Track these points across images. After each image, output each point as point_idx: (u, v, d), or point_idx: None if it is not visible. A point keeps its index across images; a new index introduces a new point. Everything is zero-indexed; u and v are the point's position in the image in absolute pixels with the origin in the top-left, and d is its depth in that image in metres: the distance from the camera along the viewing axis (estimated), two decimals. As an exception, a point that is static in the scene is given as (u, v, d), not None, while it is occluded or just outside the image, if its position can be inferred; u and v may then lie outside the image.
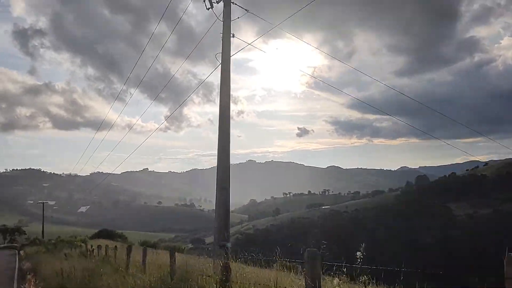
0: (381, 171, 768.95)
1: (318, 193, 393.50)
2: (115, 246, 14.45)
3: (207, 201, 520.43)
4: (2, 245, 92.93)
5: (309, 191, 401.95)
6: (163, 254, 13.78)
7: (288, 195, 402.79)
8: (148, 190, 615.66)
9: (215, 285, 6.50)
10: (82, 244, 31.17)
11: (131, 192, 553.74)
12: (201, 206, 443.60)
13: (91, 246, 19.24)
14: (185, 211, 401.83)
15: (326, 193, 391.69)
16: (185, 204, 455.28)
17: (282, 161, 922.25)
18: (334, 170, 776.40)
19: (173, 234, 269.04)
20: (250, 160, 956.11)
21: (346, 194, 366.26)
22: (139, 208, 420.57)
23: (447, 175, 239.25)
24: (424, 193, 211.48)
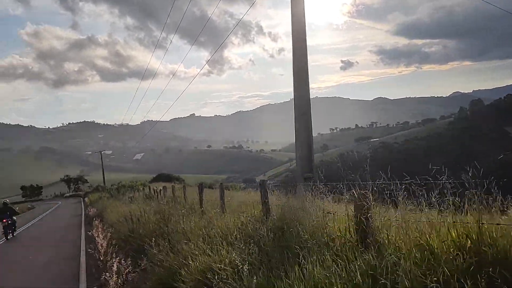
0: (431, 98, 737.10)
1: (365, 126, 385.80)
2: (184, 186, 13.15)
3: (254, 142, 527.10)
4: (68, 194, 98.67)
5: (356, 125, 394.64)
6: (227, 193, 12.57)
7: (335, 130, 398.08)
8: (197, 135, 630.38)
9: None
10: (144, 188, 30.88)
11: (181, 138, 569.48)
12: (248, 147, 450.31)
13: (156, 188, 18.35)
14: (233, 153, 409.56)
15: (374, 125, 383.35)
16: (233, 147, 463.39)
17: (326, 96, 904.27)
18: (381, 102, 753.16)
19: (224, 175, 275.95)
20: (293, 98, 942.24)
21: (395, 125, 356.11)
22: (189, 153, 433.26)
23: (503, 97, 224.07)
24: (480, 118, 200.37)
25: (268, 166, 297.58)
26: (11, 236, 18.14)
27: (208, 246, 6.03)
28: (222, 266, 5.10)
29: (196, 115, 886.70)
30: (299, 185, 8.70)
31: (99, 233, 11.65)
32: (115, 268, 6.38)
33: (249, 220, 6.60)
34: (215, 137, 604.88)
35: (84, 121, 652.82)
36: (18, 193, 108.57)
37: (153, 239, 7.60)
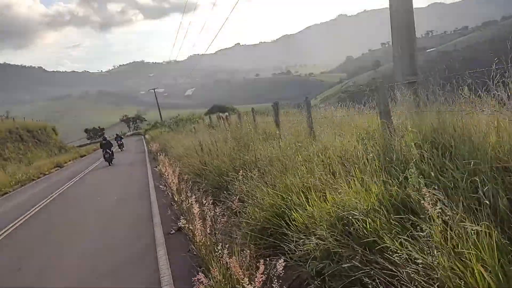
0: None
1: (420, 36, 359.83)
2: (252, 109, 11.51)
3: (302, 65, 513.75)
4: (129, 133, 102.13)
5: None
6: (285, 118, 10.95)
7: (386, 45, 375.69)
8: (244, 64, 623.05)
9: None
10: (199, 120, 29.83)
11: (228, 69, 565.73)
12: (297, 72, 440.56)
13: (222, 115, 17.00)
14: (282, 79, 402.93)
15: (430, 34, 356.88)
16: (282, 73, 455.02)
17: (376, 8, 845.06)
18: (436, 7, 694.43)
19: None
20: (340, 14, 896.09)
21: (452, 32, 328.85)
22: (238, 84, 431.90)
23: None
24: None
25: (318, 90, 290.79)
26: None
27: (331, 177, 4.40)
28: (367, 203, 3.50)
29: (240, 44, 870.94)
30: (401, 90, 6.68)
31: (167, 167, 10.52)
32: (196, 209, 5.01)
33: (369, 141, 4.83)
34: (262, 65, 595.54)
35: (134, 61, 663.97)
36: (83, 136, 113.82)
37: (240, 171, 6.10)
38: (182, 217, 5.65)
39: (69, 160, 40.12)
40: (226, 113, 10.99)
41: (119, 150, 37.39)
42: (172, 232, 6.67)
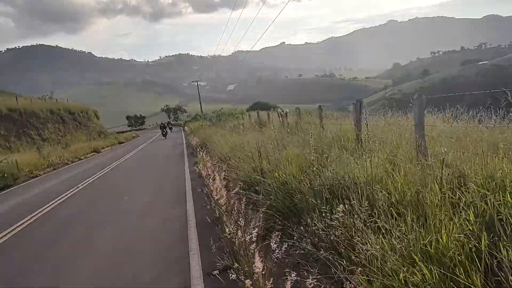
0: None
1: (473, 48, 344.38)
2: (319, 107, 9.35)
3: (347, 69, 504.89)
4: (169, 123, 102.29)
5: (462, 47, 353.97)
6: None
7: (437, 54, 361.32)
8: (287, 64, 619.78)
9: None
10: (245, 116, 27.79)
11: (272, 68, 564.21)
12: (341, 75, 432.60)
13: (281, 111, 14.84)
14: (325, 81, 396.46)
15: (483, 46, 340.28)
16: (325, 75, 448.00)
17: (428, 16, 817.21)
18: (492, 20, 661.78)
19: (316, 104, 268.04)
20: (390, 20, 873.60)
21: (507, 46, 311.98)
22: (280, 83, 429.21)
23: None
24: None
25: (362, 94, 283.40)
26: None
27: None
28: None
29: (286, 43, 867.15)
30: None
31: (208, 170, 8.58)
32: (257, 258, 3.02)
33: None
34: (306, 66, 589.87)
35: (179, 53, 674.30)
36: (124, 122, 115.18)
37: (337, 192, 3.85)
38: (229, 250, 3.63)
39: (107, 146, 39.33)
40: (286, 110, 8.91)
41: (166, 133, 44.10)
42: (215, 273, 4.64)
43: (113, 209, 9.17)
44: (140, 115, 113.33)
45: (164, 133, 41.87)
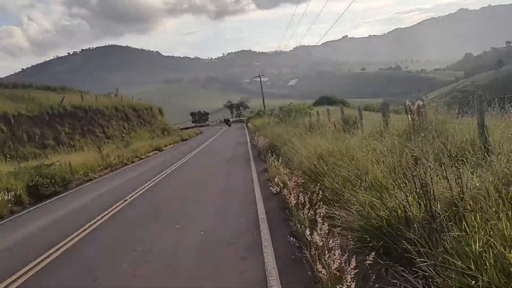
0: None
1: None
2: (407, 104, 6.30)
3: (414, 61, 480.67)
4: (232, 119, 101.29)
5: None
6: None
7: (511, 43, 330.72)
8: (350, 57, 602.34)
9: None
10: (312, 112, 24.71)
11: (334, 62, 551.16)
12: (407, 68, 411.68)
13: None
14: (390, 74, 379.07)
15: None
16: (390, 68, 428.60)
17: (503, 3, 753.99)
18: None
19: (380, 99, 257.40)
20: (461, 8, 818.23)
21: None
22: (343, 77, 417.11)
23: None
24: None
25: (430, 87, 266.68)
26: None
27: None
28: None
29: (348, 36, 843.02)
30: None
31: (292, 190, 5.94)
32: None
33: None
34: (369, 59, 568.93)
35: (242, 50, 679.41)
36: (188, 119, 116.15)
37: None
38: None
39: (169, 144, 38.11)
40: (419, 101, 6.10)
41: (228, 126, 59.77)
42: None
43: (155, 245, 6.69)
44: (203, 111, 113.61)
45: (228, 124, 64.04)
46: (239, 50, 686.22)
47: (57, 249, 6.98)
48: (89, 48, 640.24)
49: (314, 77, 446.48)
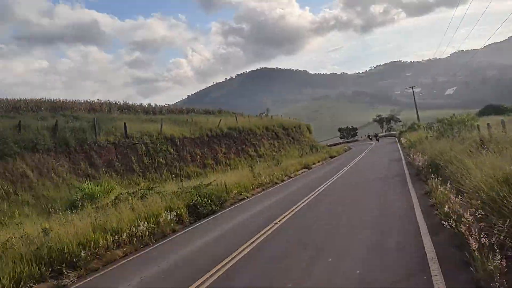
0: None
1: None
2: None
3: None
4: (382, 134, 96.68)
5: None
6: None
7: None
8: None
9: None
10: (478, 124, 21.33)
11: (499, 65, 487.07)
12: None
13: None
14: None
15: None
16: None
17: None
18: None
19: None
20: None
21: None
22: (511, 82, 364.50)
23: None
24: None
25: None
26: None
27: None
28: None
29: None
30: None
31: (466, 216, 4.75)
32: None
33: None
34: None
35: (391, 61, 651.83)
36: (336, 134, 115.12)
37: None
38: None
39: (318, 161, 37.78)
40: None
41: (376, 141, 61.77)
42: None
43: (307, 282, 6.03)
44: (352, 126, 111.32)
45: (371, 140, 61.28)
46: (387, 62, 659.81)
47: (209, 277, 6.98)
48: (243, 72, 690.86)
49: (476, 84, 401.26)
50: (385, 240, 7.49)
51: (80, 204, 15.51)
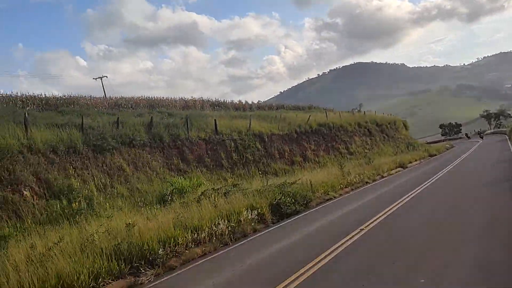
0: None
1: None
2: None
3: None
4: (489, 131, 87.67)
5: None
6: None
7: None
8: None
9: None
10: None
11: None
12: None
13: None
14: None
15: None
16: None
17: None
18: None
19: None
20: None
21: None
22: None
23: None
24: None
25: None
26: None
27: None
28: None
29: None
30: None
31: None
32: None
33: None
34: None
35: (500, 52, 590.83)
36: (436, 131, 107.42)
37: None
38: None
39: (415, 160, 35.23)
40: None
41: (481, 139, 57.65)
42: None
43: None
44: (455, 122, 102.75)
45: (470, 138, 59.78)
46: (497, 52, 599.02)
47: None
48: (336, 67, 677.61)
49: None
50: (495, 264, 6.20)
51: (169, 198, 15.99)
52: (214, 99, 38.67)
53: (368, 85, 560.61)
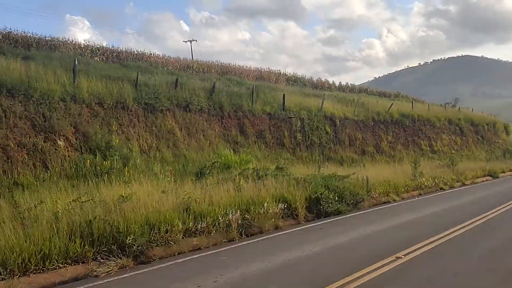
0: None
1: None
2: None
3: None
4: None
5: None
6: None
7: None
8: None
9: None
10: None
11: None
12: None
13: None
14: None
15: None
16: None
17: None
18: None
19: None
20: None
21: None
22: None
23: None
24: None
25: None
26: None
27: None
28: None
29: None
30: None
31: None
32: None
33: None
34: None
35: None
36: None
37: None
38: None
39: (509, 170, 30.47)
40: None
41: None
42: None
43: None
44: None
45: None
46: None
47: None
48: (441, 58, 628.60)
49: None
50: None
51: (207, 172, 14.66)
52: (291, 73, 36.65)
53: (473, 82, 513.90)
